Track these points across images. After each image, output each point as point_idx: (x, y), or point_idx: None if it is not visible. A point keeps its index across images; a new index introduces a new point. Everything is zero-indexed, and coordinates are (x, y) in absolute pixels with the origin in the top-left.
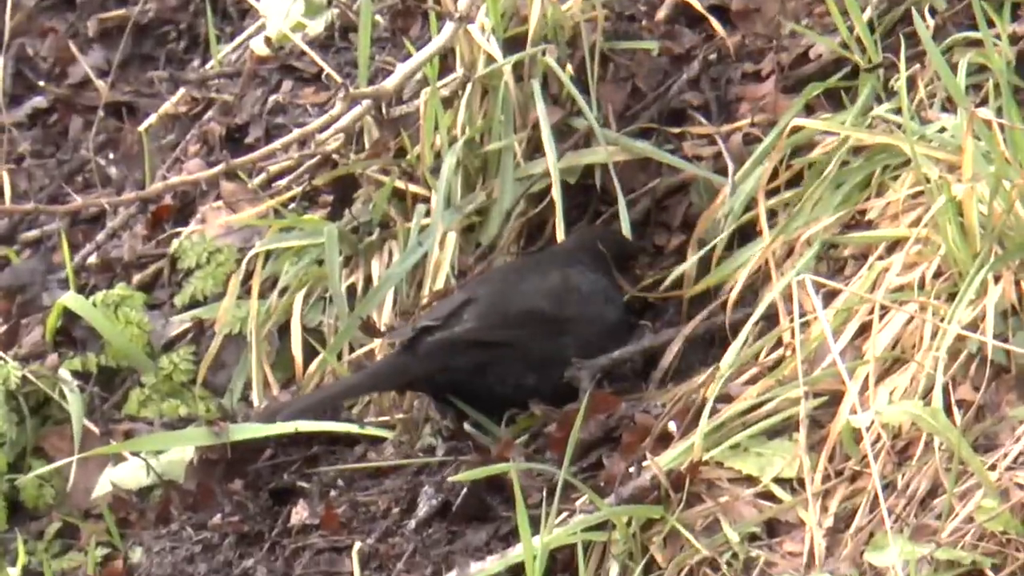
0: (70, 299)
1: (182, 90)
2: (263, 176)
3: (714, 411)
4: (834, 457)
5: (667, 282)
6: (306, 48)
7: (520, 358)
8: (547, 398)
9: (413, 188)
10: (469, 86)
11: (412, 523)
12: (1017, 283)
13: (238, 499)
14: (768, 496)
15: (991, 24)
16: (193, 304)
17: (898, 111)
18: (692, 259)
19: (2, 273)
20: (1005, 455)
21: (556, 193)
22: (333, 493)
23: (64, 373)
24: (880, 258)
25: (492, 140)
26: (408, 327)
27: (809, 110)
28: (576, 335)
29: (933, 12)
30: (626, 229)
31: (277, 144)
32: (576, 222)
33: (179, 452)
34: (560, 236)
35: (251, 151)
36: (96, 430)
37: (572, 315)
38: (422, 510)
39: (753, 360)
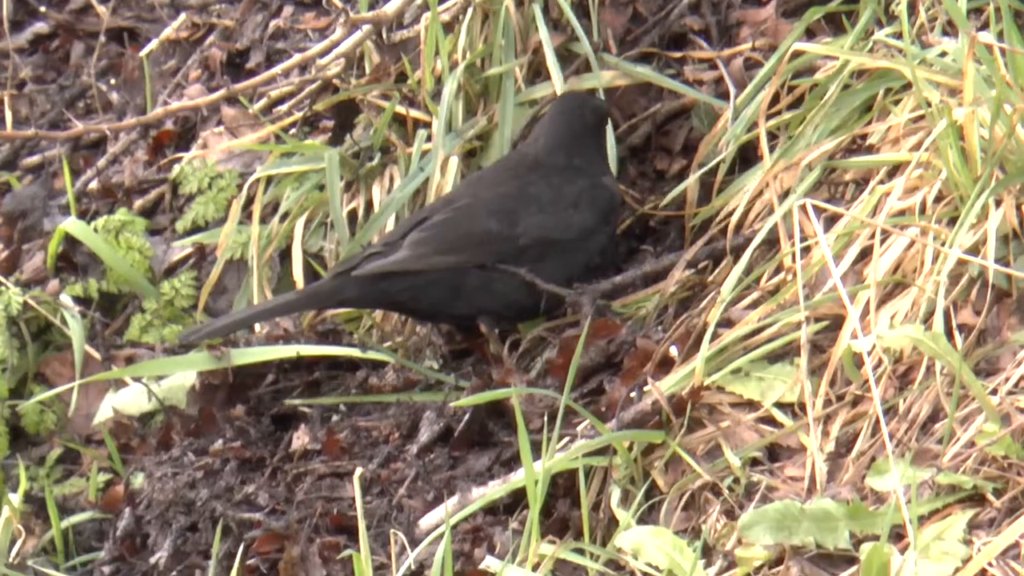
0: (71, 224)
1: (183, 15)
2: (264, 101)
3: (715, 336)
4: (835, 382)
5: (666, 201)
6: None
7: (452, 284)
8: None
9: (414, 113)
10: (470, 11)
11: (414, 448)
12: (1018, 207)
13: (239, 424)
14: (769, 421)
15: None
16: (194, 229)
17: (899, 35)
18: (691, 179)
19: (3, 199)
20: (1006, 379)
21: None
22: (335, 418)
23: (65, 299)
24: (881, 182)
25: (493, 65)
26: (359, 252)
27: (810, 34)
28: (529, 253)
29: None
30: (614, 159)
31: (278, 69)
32: None
33: (180, 378)
34: None
35: (252, 76)
36: (97, 356)
37: (524, 230)
38: (424, 435)
39: (754, 284)
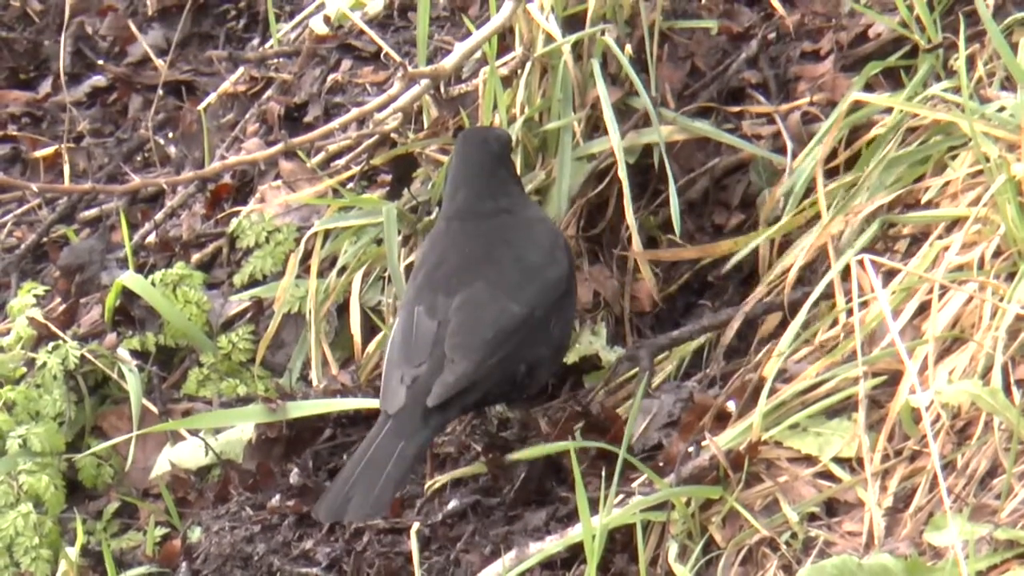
0: (129, 278)
1: (241, 69)
2: (322, 155)
3: (773, 390)
4: (893, 437)
5: (734, 261)
6: (365, 27)
7: (512, 374)
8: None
9: None
10: (528, 65)
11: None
12: None
13: (297, 479)
14: (827, 476)
15: None
16: (252, 283)
17: (956, 90)
18: (762, 237)
19: (61, 252)
20: None
21: (622, 172)
22: None
23: (123, 352)
24: (939, 237)
25: (551, 119)
26: (396, 386)
27: (868, 89)
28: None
29: None
30: (676, 214)
31: (336, 123)
32: (636, 201)
33: (238, 431)
34: (629, 215)
35: (310, 130)
36: (155, 409)
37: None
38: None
39: (811, 339)
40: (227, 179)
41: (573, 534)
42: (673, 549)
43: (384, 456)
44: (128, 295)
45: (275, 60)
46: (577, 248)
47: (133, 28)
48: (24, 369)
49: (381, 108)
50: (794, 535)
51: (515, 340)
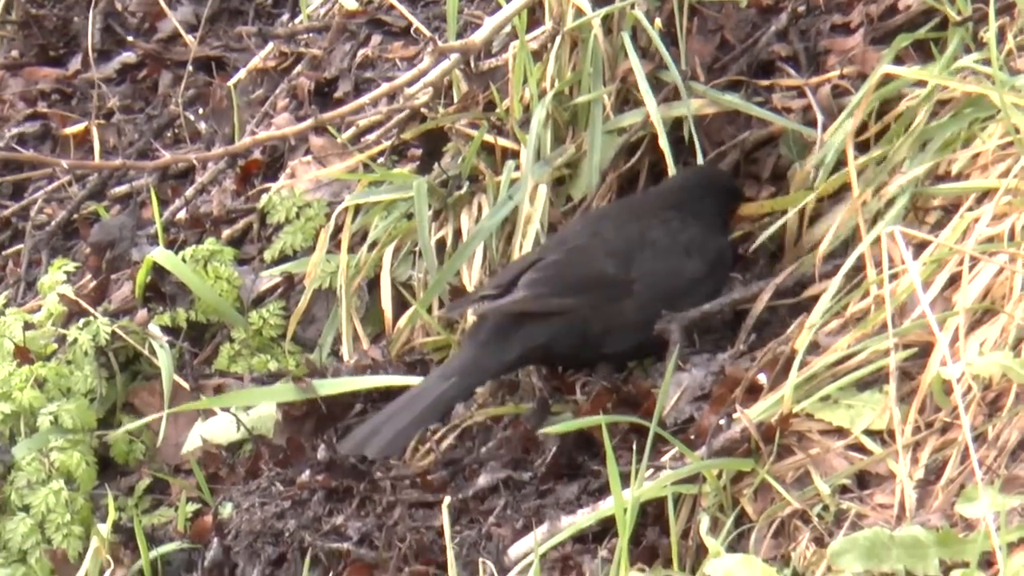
0: (159, 254)
1: (271, 44)
2: (352, 130)
3: (804, 363)
4: (924, 409)
5: (762, 238)
6: (394, 2)
7: (580, 327)
8: (618, 361)
9: (502, 142)
10: (558, 39)
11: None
12: None
13: (325, 455)
14: (858, 448)
15: None
16: (283, 259)
17: (986, 62)
18: (791, 212)
19: (92, 229)
20: None
21: (663, 142)
22: (422, 448)
23: (154, 328)
24: (969, 209)
25: (581, 93)
26: (471, 297)
27: (897, 62)
28: (640, 296)
29: None
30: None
31: (366, 98)
32: (664, 176)
33: (269, 407)
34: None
35: (340, 105)
36: (186, 385)
37: (641, 274)
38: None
39: (842, 312)
40: (257, 155)
41: (605, 508)
42: (704, 522)
43: (426, 395)
44: (159, 271)
45: (305, 35)
46: None
47: (163, 4)
48: (55, 346)
49: (411, 83)
50: (826, 507)
51: (595, 295)
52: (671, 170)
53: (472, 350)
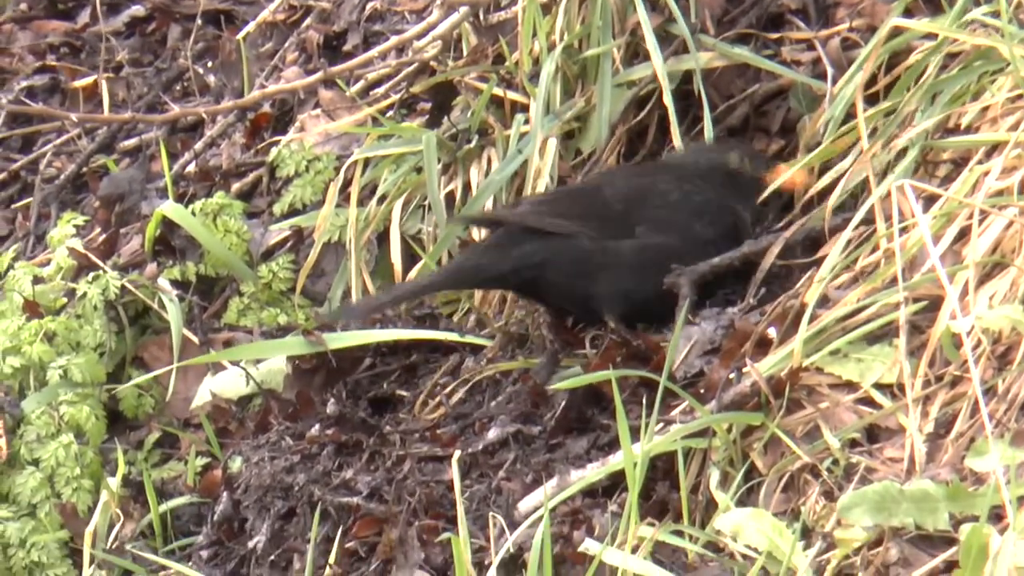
0: (169, 208)
1: None
2: (361, 84)
3: (813, 317)
4: (934, 362)
5: (770, 188)
6: None
7: (574, 254)
8: (612, 306)
9: (511, 95)
10: None
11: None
12: None
13: (337, 408)
14: (868, 402)
15: None
16: (292, 212)
17: (996, 15)
18: (802, 161)
19: (101, 182)
20: None
21: (667, 98)
22: (432, 403)
23: (163, 282)
24: (979, 162)
25: (590, 46)
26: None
27: (907, 14)
28: (641, 240)
29: None
30: (710, 137)
31: (375, 52)
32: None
33: (278, 361)
34: (676, 141)
35: (349, 59)
36: (195, 339)
37: (645, 219)
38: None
39: (852, 265)
40: (266, 108)
41: (614, 462)
42: (715, 476)
43: (412, 282)
44: (168, 225)
45: None
46: None
47: None
48: (64, 300)
49: (420, 36)
50: (835, 461)
51: (594, 226)
52: (674, 126)
53: (469, 254)
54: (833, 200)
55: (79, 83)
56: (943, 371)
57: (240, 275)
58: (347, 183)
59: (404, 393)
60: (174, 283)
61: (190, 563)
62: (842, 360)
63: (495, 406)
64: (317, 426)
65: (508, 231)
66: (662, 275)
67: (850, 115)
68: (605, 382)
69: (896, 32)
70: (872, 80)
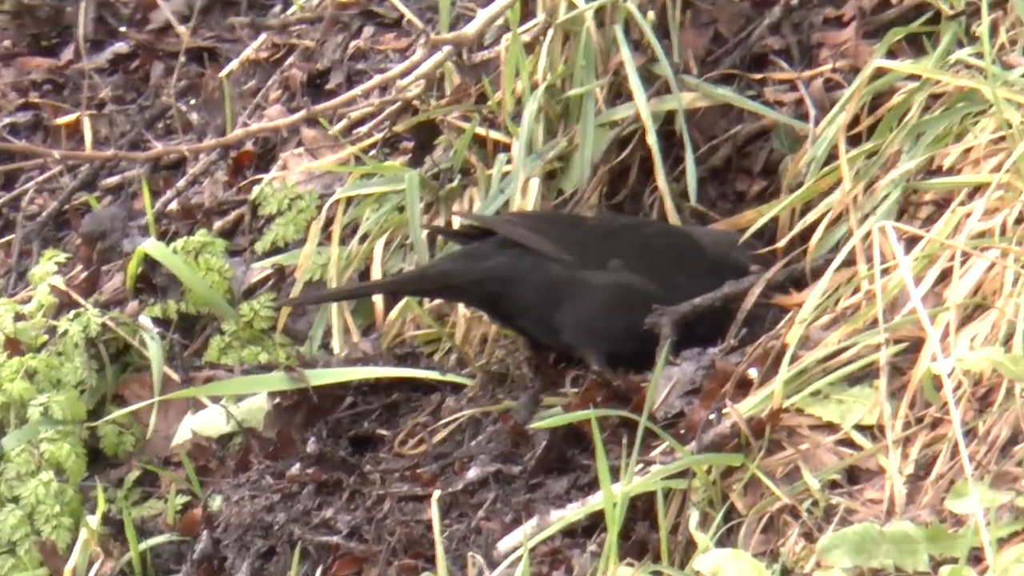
0: (151, 246)
1: (263, 36)
2: (344, 122)
3: (794, 358)
4: (915, 404)
5: (752, 229)
6: None
7: (544, 278)
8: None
9: (494, 134)
10: (550, 31)
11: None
12: None
13: (318, 447)
14: (849, 443)
15: None
16: (274, 251)
17: (979, 56)
18: (784, 203)
19: (83, 219)
20: None
21: (651, 138)
22: (412, 441)
23: (144, 320)
24: (961, 204)
25: (573, 86)
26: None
27: (890, 56)
28: (614, 275)
29: None
30: (693, 182)
31: (358, 90)
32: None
33: (259, 399)
34: (660, 181)
35: (332, 97)
36: (176, 377)
37: (621, 255)
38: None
39: (833, 307)
40: (249, 146)
41: (594, 502)
42: (694, 517)
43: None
44: (150, 262)
45: (297, 27)
46: None
47: None
48: (46, 337)
49: (403, 75)
50: (815, 503)
51: (568, 250)
52: (658, 166)
53: (437, 260)
54: (815, 241)
55: (62, 120)
56: (923, 413)
57: (221, 313)
58: (329, 222)
59: (384, 432)
60: (155, 321)
61: None
62: (823, 401)
63: (475, 445)
64: (298, 465)
65: (482, 244)
66: (633, 313)
67: (833, 156)
68: (585, 422)
69: (879, 73)
70: (855, 121)
